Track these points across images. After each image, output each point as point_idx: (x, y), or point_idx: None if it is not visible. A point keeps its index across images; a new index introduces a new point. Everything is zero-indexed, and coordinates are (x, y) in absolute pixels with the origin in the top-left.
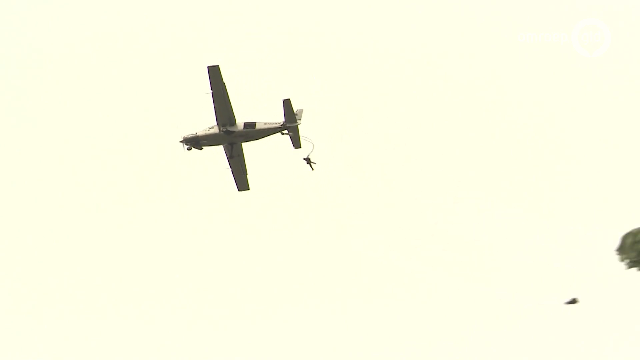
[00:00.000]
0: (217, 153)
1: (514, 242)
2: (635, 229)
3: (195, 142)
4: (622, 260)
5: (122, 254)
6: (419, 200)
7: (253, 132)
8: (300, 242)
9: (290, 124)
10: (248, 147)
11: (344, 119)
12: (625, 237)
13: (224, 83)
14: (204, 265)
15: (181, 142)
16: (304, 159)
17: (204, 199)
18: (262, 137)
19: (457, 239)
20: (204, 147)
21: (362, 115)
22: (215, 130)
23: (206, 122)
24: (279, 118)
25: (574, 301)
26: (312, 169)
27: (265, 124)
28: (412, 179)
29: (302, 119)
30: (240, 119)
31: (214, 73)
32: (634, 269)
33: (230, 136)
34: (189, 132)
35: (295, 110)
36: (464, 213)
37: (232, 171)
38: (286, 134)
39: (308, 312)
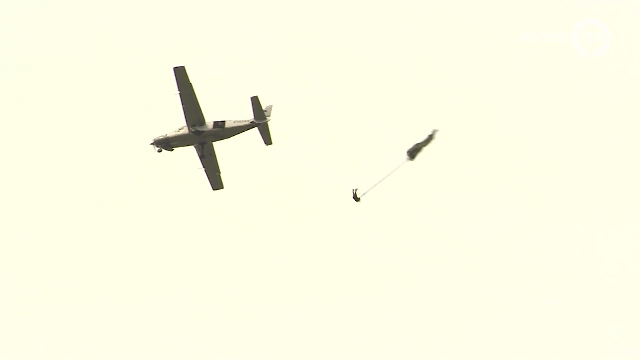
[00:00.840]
0: (189, 153)
1: (514, 242)
2: None
3: (165, 143)
4: None
5: (102, 255)
6: (419, 200)
7: (223, 131)
8: (283, 240)
9: (259, 121)
10: (220, 146)
11: (343, 118)
12: None
13: (191, 83)
14: (186, 266)
15: (152, 144)
16: (355, 197)
17: (179, 199)
18: (233, 136)
19: (457, 239)
20: (175, 149)
21: (361, 115)
22: (185, 130)
23: (177, 122)
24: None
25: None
26: (358, 198)
27: (234, 122)
28: (412, 179)
29: (271, 115)
30: (215, 118)
31: (180, 74)
32: None
33: (201, 136)
34: (160, 133)
35: (264, 107)
36: (464, 213)
37: (205, 171)
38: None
39: (300, 311)
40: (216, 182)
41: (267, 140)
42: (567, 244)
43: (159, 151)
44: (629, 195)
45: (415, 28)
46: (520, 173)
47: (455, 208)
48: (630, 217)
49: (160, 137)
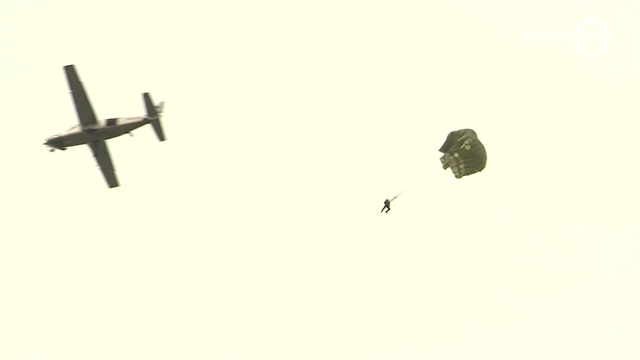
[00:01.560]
0: (84, 152)
1: (514, 242)
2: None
3: (58, 143)
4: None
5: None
6: (419, 200)
7: (115, 128)
8: (194, 237)
9: (151, 117)
10: (114, 144)
11: (343, 118)
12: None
13: (82, 82)
14: (85, 265)
15: (45, 144)
16: (387, 203)
17: (74, 199)
18: (125, 133)
19: (457, 239)
20: (69, 147)
21: (361, 115)
22: (78, 129)
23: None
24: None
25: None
26: (388, 208)
27: (127, 119)
28: (411, 178)
29: (163, 111)
30: (108, 116)
31: (71, 73)
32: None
33: (93, 134)
34: (53, 133)
35: (157, 103)
36: (464, 213)
37: (100, 169)
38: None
39: (299, 312)
40: (112, 180)
41: (161, 136)
42: (567, 244)
43: (52, 151)
44: (629, 195)
45: (415, 28)
46: (520, 173)
47: (455, 208)
48: (630, 217)
49: (54, 137)
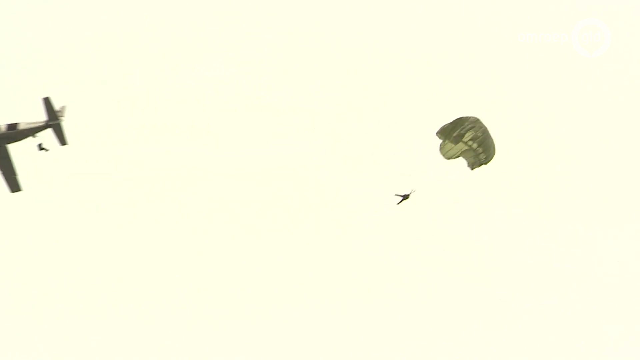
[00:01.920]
0: None
1: (514, 242)
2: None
3: None
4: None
5: None
6: (419, 200)
7: (16, 133)
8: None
9: (52, 122)
10: (16, 148)
11: (343, 118)
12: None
13: None
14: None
15: None
16: (403, 195)
17: None
18: (27, 137)
19: (457, 239)
20: None
21: (361, 115)
22: None
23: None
24: None
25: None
26: (402, 199)
27: (28, 123)
28: (411, 178)
29: (64, 115)
30: (8, 121)
31: None
32: None
33: None
34: None
35: (57, 108)
36: (464, 213)
37: (2, 174)
38: (44, 148)
39: (299, 312)
40: (13, 185)
41: (62, 140)
42: (567, 244)
43: None
44: (629, 195)
45: (415, 28)
46: (520, 173)
47: (455, 208)
48: (630, 217)
49: None
